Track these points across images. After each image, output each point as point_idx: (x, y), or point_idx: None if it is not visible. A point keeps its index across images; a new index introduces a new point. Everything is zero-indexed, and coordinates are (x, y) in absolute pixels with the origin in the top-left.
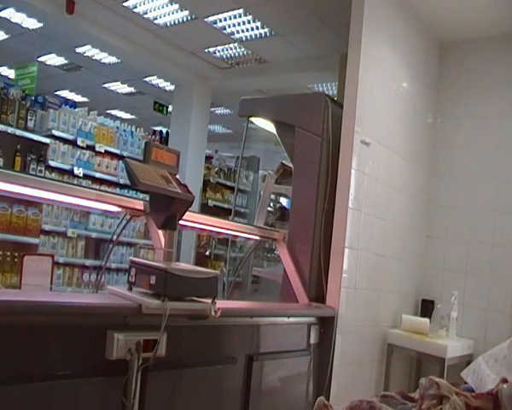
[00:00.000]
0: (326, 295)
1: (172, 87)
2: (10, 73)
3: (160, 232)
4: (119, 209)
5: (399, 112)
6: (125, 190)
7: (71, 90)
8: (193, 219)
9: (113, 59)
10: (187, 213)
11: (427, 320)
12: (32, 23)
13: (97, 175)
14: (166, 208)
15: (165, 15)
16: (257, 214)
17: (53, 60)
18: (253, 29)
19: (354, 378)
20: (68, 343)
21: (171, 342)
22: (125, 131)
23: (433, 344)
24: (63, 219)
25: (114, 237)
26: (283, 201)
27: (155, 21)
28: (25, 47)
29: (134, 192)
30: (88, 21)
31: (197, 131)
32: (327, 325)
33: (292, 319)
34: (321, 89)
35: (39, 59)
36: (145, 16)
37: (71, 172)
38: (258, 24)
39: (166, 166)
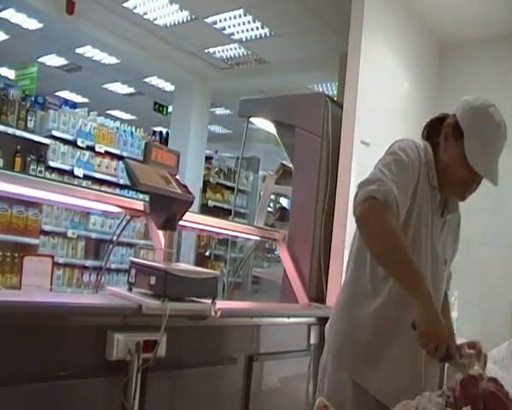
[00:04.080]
0: (326, 295)
1: (172, 87)
2: (10, 74)
3: (160, 233)
4: (119, 210)
5: (399, 112)
6: (125, 191)
7: (71, 91)
8: (193, 219)
9: (113, 59)
10: (187, 213)
11: None
12: (32, 24)
13: (97, 176)
14: (166, 209)
15: (165, 16)
16: (257, 215)
17: (53, 60)
18: (253, 29)
19: None
20: (68, 344)
21: (172, 342)
22: (124, 131)
23: None
24: (63, 219)
25: (114, 238)
26: (283, 201)
27: (155, 22)
28: (25, 47)
29: (134, 193)
30: (88, 22)
31: (197, 132)
32: None
33: (292, 320)
34: (321, 89)
35: (39, 59)
36: (145, 17)
37: (71, 173)
38: (258, 24)
39: (166, 167)
